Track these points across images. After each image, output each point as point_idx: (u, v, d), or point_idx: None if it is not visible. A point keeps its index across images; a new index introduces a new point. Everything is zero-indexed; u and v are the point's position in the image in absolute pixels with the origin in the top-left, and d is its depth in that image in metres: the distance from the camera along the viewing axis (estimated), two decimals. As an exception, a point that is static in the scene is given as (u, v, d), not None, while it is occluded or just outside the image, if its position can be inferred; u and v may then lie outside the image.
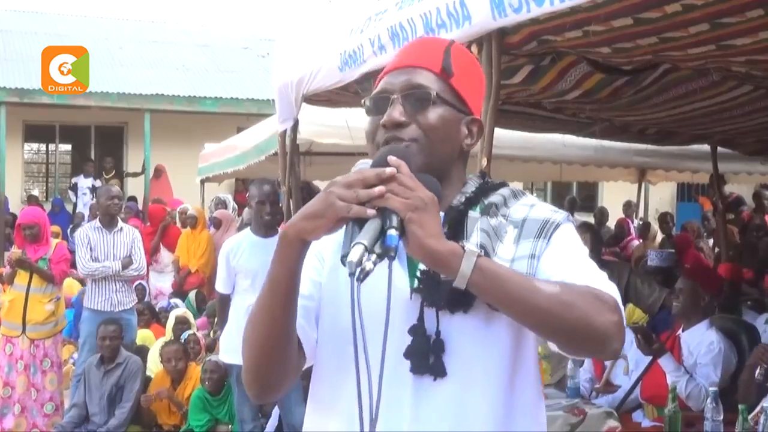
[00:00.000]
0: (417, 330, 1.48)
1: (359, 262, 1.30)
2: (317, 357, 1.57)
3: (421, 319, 1.48)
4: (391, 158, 1.41)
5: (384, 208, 1.36)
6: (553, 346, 1.49)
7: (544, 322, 1.40)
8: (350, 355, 1.39)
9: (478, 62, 1.78)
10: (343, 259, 1.33)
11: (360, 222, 1.36)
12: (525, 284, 1.39)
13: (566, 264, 1.48)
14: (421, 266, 1.48)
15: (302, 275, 1.48)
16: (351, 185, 1.37)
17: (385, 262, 1.34)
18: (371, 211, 1.36)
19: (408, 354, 1.47)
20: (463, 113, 1.59)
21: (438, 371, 1.46)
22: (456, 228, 1.52)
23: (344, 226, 1.39)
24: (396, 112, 1.53)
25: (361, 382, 1.32)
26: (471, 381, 1.48)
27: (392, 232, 1.34)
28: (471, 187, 1.60)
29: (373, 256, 1.32)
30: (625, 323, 1.44)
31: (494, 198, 1.57)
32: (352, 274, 1.31)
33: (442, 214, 1.50)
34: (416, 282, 1.50)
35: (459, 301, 1.46)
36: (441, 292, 1.45)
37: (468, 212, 1.54)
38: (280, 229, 1.43)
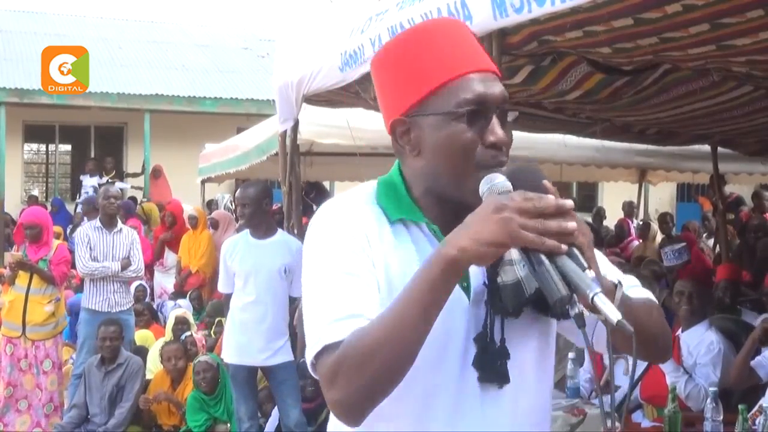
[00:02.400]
0: (483, 338, 1.44)
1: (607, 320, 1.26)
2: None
3: (485, 326, 1.44)
4: (547, 183, 1.35)
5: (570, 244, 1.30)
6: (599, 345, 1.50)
7: (650, 339, 1.48)
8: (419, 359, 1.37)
9: None
10: (558, 303, 1.27)
11: (550, 258, 1.29)
12: (647, 309, 1.50)
13: (610, 271, 1.50)
14: (485, 273, 1.44)
15: (367, 268, 1.42)
16: (527, 213, 1.27)
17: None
18: (565, 247, 1.28)
19: (477, 363, 1.44)
20: None
21: (504, 378, 1.45)
22: None
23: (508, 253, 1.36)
24: (501, 131, 1.43)
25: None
26: (523, 383, 1.48)
27: (590, 274, 1.29)
28: None
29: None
30: None
31: None
32: (609, 325, 1.26)
33: None
34: (483, 290, 1.45)
35: (517, 303, 1.44)
36: (501, 298, 1.42)
37: None
38: (444, 256, 1.34)
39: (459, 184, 1.43)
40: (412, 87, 1.45)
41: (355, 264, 1.42)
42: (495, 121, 1.43)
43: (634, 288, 1.54)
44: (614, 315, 1.24)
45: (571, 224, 1.28)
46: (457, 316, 1.43)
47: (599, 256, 1.49)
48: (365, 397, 1.35)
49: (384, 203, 1.50)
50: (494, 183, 1.36)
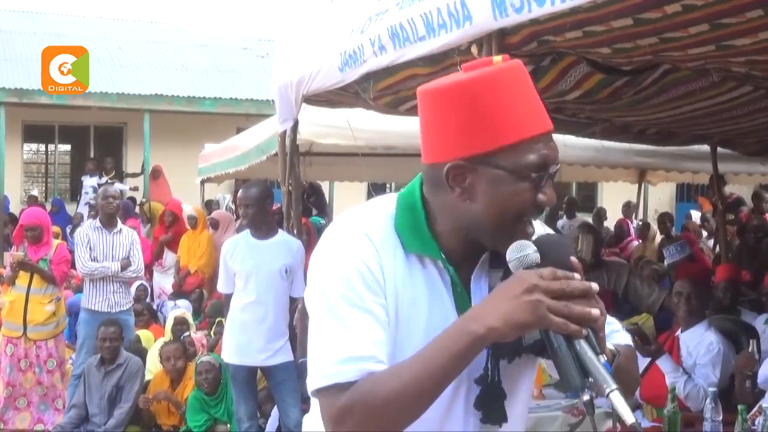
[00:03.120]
0: (484, 380, 1.48)
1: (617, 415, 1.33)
2: None
3: (487, 368, 1.47)
4: (575, 261, 1.38)
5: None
6: None
7: (635, 386, 1.62)
8: None
9: None
10: (568, 388, 1.33)
11: (568, 339, 1.33)
12: (630, 356, 1.55)
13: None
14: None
15: (379, 302, 1.44)
16: (554, 293, 1.31)
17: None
18: (585, 332, 1.32)
19: (479, 404, 1.48)
20: None
21: (503, 418, 1.50)
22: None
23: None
24: (553, 192, 1.46)
25: None
26: (514, 418, 1.54)
27: (603, 359, 1.33)
28: None
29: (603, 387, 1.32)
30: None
31: None
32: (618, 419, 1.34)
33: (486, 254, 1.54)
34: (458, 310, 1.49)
35: (514, 349, 1.47)
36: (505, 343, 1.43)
37: None
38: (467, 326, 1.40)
39: (497, 234, 1.45)
40: (483, 136, 1.43)
41: (368, 298, 1.43)
42: (549, 183, 1.46)
43: (617, 333, 1.58)
44: (629, 417, 1.31)
45: (595, 311, 1.32)
46: None
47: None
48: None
49: (401, 232, 1.49)
50: (524, 254, 1.38)
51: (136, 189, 14.45)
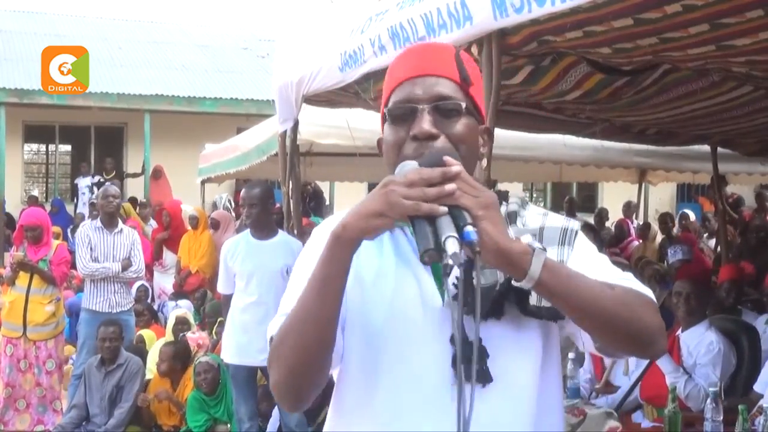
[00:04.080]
0: (461, 338, 1.43)
1: (457, 254, 1.29)
2: (346, 361, 1.53)
3: (460, 327, 1.43)
4: (448, 159, 1.39)
5: (453, 206, 1.34)
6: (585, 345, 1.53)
7: (608, 323, 1.41)
8: (381, 361, 1.45)
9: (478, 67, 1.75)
10: (425, 254, 1.32)
11: (429, 220, 1.34)
12: (589, 285, 1.40)
13: (598, 267, 1.50)
14: (455, 274, 1.43)
15: None
16: (414, 184, 1.35)
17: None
18: (443, 209, 1.33)
19: (454, 363, 1.45)
20: (480, 122, 1.59)
21: (485, 378, 1.46)
22: None
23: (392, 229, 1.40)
24: (427, 124, 1.50)
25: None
26: (508, 386, 1.48)
27: (469, 228, 1.32)
28: None
29: (452, 251, 1.31)
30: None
31: (511, 206, 1.57)
32: (461, 265, 1.30)
33: None
34: (452, 290, 1.44)
35: (493, 308, 1.46)
36: (475, 299, 1.41)
37: None
38: (331, 233, 1.43)
39: None
40: (385, 94, 1.60)
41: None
42: (422, 117, 1.51)
43: (620, 279, 1.49)
44: (452, 248, 1.28)
45: (449, 186, 1.34)
46: (430, 316, 1.47)
47: (590, 252, 1.54)
48: (290, 380, 1.46)
49: None
50: (403, 168, 1.43)
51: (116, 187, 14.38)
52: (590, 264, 1.50)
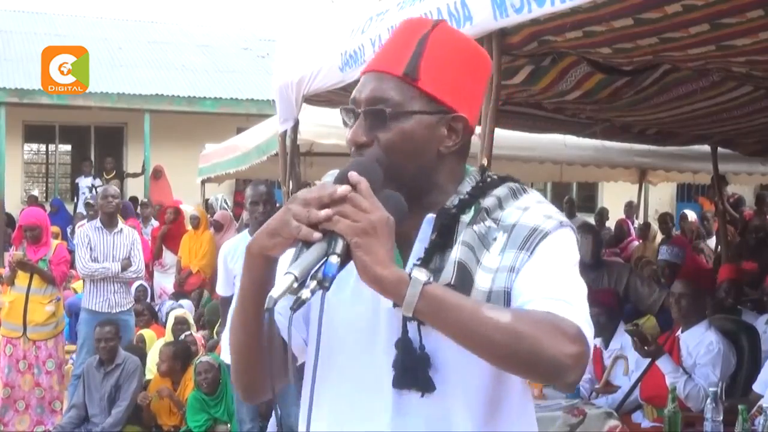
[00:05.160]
0: (403, 344, 1.42)
1: (285, 294, 1.27)
2: (308, 356, 1.53)
3: (405, 332, 1.42)
4: (352, 174, 1.36)
5: (332, 231, 1.31)
6: None
7: (491, 353, 1.33)
8: (335, 360, 1.45)
9: (473, 43, 1.56)
10: (269, 300, 1.30)
11: (307, 245, 1.32)
12: (473, 314, 1.31)
13: (540, 282, 1.39)
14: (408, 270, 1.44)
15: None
16: (308, 203, 1.33)
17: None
18: (317, 235, 1.31)
19: (396, 368, 1.42)
20: (441, 113, 1.46)
21: (426, 387, 1.42)
22: (445, 234, 1.45)
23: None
24: (359, 132, 1.46)
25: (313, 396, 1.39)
26: (454, 395, 1.43)
27: (332, 260, 1.30)
28: (467, 186, 1.51)
29: (313, 283, 1.29)
30: (589, 352, 1.36)
31: (488, 201, 1.48)
32: (267, 310, 1.28)
33: (432, 216, 1.47)
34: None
35: None
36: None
37: (460, 217, 1.46)
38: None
39: None
40: None
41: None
42: (358, 122, 1.46)
43: (551, 301, 1.36)
44: (274, 292, 1.27)
45: (324, 212, 1.31)
46: (382, 317, 1.45)
47: (547, 262, 1.41)
48: (235, 375, 1.53)
49: None
50: (325, 179, 1.44)
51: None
52: (535, 277, 1.40)
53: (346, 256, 1.31)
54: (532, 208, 1.47)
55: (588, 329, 1.36)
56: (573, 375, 1.33)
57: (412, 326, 1.40)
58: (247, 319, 1.45)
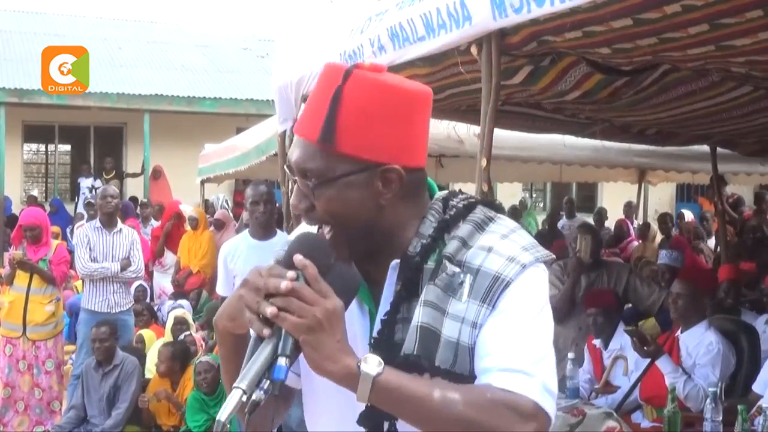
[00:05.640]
0: (367, 419, 1.42)
1: (234, 411, 1.28)
2: (303, 382, 1.59)
3: (368, 406, 1.39)
4: (297, 258, 1.33)
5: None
6: None
7: None
8: (320, 392, 1.49)
9: (391, 86, 1.43)
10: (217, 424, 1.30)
11: (261, 340, 1.32)
12: (425, 404, 1.31)
13: (499, 348, 1.37)
14: (377, 326, 1.44)
15: None
16: (258, 291, 1.31)
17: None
18: (267, 331, 1.30)
19: (361, 420, 1.41)
20: (368, 169, 1.40)
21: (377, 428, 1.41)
22: (410, 287, 1.43)
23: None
24: (296, 199, 1.45)
25: None
26: None
27: (281, 362, 1.29)
28: (428, 226, 1.46)
29: (267, 383, 1.29)
30: (549, 422, 1.38)
31: (450, 247, 1.43)
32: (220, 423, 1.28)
33: (396, 262, 1.44)
34: (370, 347, 1.43)
35: (413, 367, 1.39)
36: (396, 353, 1.39)
37: (423, 266, 1.43)
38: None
39: None
40: None
41: None
42: (294, 189, 1.45)
43: (510, 371, 1.36)
44: (222, 415, 1.28)
45: (270, 309, 1.29)
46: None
47: (510, 319, 1.39)
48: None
49: None
50: (277, 252, 1.44)
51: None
52: (495, 339, 1.38)
53: (296, 352, 1.31)
54: (495, 249, 1.43)
55: (547, 398, 1.38)
56: None
57: None
58: (233, 376, 1.41)
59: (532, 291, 1.42)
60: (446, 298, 1.41)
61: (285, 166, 1.51)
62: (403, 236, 1.46)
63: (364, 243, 1.45)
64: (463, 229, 1.45)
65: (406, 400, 1.31)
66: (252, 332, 1.35)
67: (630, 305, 5.91)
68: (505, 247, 1.43)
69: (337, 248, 1.41)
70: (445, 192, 1.54)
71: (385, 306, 1.45)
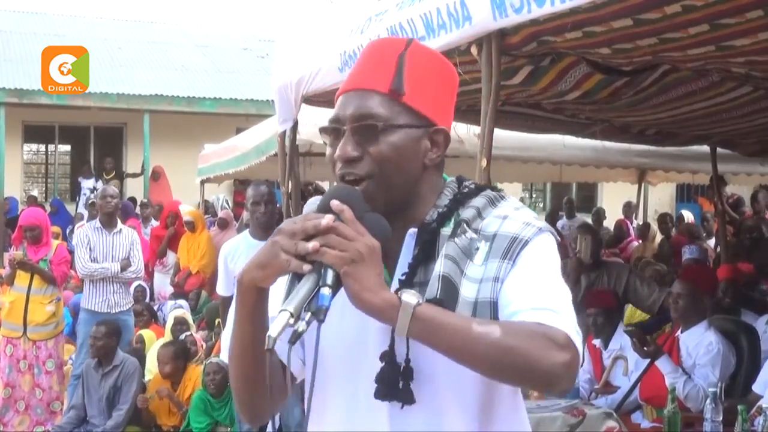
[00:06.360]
0: (387, 356, 1.45)
1: (283, 331, 1.29)
2: (307, 372, 1.57)
3: (391, 345, 1.45)
4: (334, 203, 1.39)
5: (321, 262, 1.34)
6: None
7: (484, 368, 1.38)
8: (329, 375, 1.48)
9: (443, 59, 1.62)
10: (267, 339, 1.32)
11: (299, 277, 1.35)
12: (464, 333, 1.35)
13: (525, 292, 1.43)
14: (394, 285, 1.47)
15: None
16: (294, 235, 1.36)
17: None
18: (307, 267, 1.34)
19: (377, 380, 1.45)
20: (425, 126, 1.52)
21: (406, 398, 1.44)
22: (428, 249, 1.49)
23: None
24: (348, 147, 1.49)
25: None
26: (444, 407, 1.47)
27: (325, 291, 1.32)
28: (444, 199, 1.54)
29: (308, 315, 1.31)
30: (579, 358, 1.40)
31: (466, 213, 1.51)
32: (268, 350, 1.30)
33: (414, 231, 1.50)
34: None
35: None
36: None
37: (440, 230, 1.50)
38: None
39: None
40: None
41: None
42: (345, 138, 1.50)
43: (537, 310, 1.40)
44: (272, 331, 1.30)
45: (312, 244, 1.33)
46: (371, 333, 1.47)
47: (531, 270, 1.44)
48: (238, 401, 1.58)
49: None
50: (307, 208, 1.45)
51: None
52: (521, 286, 1.43)
53: (337, 285, 1.34)
54: (511, 216, 1.51)
55: (575, 335, 1.40)
56: (565, 382, 1.39)
57: (400, 340, 1.42)
58: (245, 350, 1.48)
59: (548, 251, 1.50)
60: (464, 259, 1.47)
61: (330, 121, 1.53)
62: (425, 203, 1.54)
63: (399, 200, 1.51)
64: (478, 200, 1.54)
65: (444, 328, 1.35)
66: (287, 277, 1.40)
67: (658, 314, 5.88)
68: (520, 215, 1.52)
69: (373, 201, 1.46)
70: (457, 176, 1.63)
71: (401, 271, 1.49)
